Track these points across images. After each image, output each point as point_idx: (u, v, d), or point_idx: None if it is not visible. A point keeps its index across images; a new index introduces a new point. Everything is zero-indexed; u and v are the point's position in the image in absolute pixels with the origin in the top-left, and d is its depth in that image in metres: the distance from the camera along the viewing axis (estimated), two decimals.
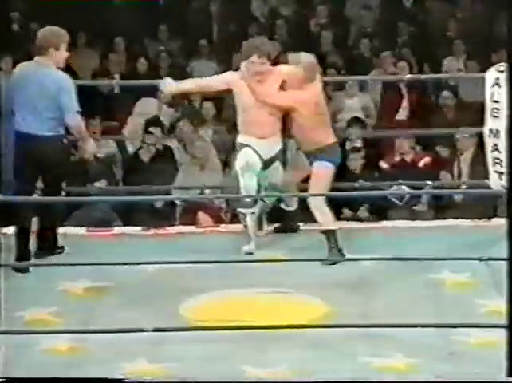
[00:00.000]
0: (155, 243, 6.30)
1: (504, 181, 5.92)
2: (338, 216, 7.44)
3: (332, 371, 4.88)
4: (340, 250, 5.91)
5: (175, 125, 8.61)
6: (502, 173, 5.89)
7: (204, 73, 9.44)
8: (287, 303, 5.53)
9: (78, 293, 5.72)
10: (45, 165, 5.93)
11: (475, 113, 6.56)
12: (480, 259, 5.26)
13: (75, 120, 5.90)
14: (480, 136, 6.36)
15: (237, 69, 6.15)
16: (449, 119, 8.47)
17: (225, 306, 5.52)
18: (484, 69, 6.30)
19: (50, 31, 5.95)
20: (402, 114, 8.66)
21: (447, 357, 5.02)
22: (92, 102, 8.54)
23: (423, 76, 8.92)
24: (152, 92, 8.81)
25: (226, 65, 9.65)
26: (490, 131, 5.99)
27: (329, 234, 5.93)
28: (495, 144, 5.97)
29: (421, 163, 8.09)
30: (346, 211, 7.76)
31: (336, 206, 7.56)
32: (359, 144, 8.20)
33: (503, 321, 5.21)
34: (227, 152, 8.26)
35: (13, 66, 6.27)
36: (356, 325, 5.10)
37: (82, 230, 6.61)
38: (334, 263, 5.82)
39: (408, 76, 8.24)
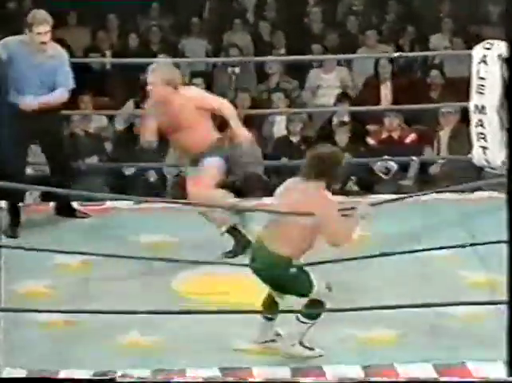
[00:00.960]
0: (147, 216, 6.31)
1: (488, 155, 5.95)
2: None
3: (320, 343, 4.93)
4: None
5: None
6: (485, 148, 5.91)
7: (195, 50, 9.46)
8: None
9: (72, 266, 5.74)
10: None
11: (459, 89, 6.57)
12: (464, 246, 5.31)
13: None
14: (463, 112, 6.38)
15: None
16: (436, 96, 8.47)
17: (214, 280, 5.53)
18: (469, 47, 6.31)
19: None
20: (386, 95, 8.67)
21: (430, 328, 5.07)
22: (83, 78, 8.55)
23: (411, 54, 8.90)
24: (144, 68, 8.79)
25: (216, 42, 9.65)
26: (476, 107, 5.99)
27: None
28: (480, 120, 5.97)
29: (408, 140, 8.11)
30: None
31: None
32: (346, 118, 8.21)
33: (486, 292, 5.28)
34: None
35: None
36: (342, 310, 5.06)
37: (75, 204, 6.61)
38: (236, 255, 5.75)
39: (396, 54, 8.22)
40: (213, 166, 5.73)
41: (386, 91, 8.56)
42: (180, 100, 5.70)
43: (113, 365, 4.73)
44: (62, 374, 4.69)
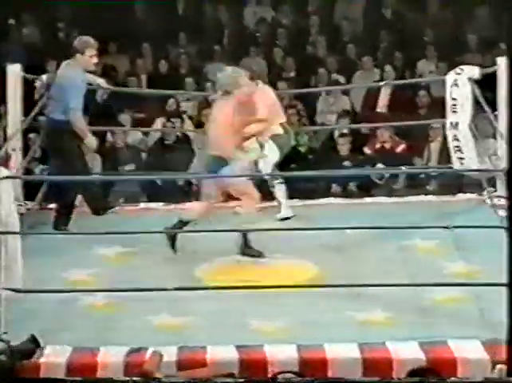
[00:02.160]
0: (175, 216, 6.29)
1: (464, 165, 5.92)
2: (329, 192, 7.46)
3: (323, 323, 4.89)
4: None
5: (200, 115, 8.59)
6: (462, 158, 5.90)
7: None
8: (286, 266, 5.53)
9: (111, 257, 5.73)
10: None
11: (443, 107, 6.52)
12: (447, 227, 5.26)
13: (74, 117, 5.89)
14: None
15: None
16: (423, 113, 8.44)
17: (233, 269, 5.52)
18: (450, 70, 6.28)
19: (77, 39, 6.00)
20: (382, 108, 8.64)
21: (417, 310, 5.02)
22: (124, 99, 8.57)
23: (396, 82, 8.89)
24: (174, 89, 8.83)
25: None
26: (451, 123, 6.00)
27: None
28: (455, 135, 5.98)
29: (398, 150, 8.08)
30: (335, 188, 7.75)
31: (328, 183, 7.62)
32: (346, 131, 8.20)
33: (464, 281, 5.23)
34: None
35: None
36: (343, 285, 5.09)
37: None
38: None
39: (383, 83, 8.26)
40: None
41: (384, 95, 8.57)
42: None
43: (146, 343, 4.71)
44: (102, 350, 4.67)
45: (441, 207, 6.28)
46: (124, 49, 9.71)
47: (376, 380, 4.26)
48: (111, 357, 4.62)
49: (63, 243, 5.72)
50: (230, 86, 5.52)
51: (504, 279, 4.86)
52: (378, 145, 8.11)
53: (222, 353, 4.65)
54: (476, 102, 5.89)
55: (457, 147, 5.85)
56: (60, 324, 4.93)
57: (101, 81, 6.34)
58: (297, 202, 6.53)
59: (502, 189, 5.93)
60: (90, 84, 6.19)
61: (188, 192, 7.78)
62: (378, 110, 8.54)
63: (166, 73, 9.38)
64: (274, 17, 10.18)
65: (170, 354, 4.59)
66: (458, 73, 5.95)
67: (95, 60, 5.96)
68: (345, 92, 8.96)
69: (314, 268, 5.47)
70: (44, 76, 6.35)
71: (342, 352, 4.64)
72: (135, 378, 4.18)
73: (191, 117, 8.63)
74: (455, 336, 4.72)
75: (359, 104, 8.94)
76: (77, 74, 5.93)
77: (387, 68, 8.79)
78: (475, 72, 5.95)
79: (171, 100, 8.68)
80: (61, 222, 5.98)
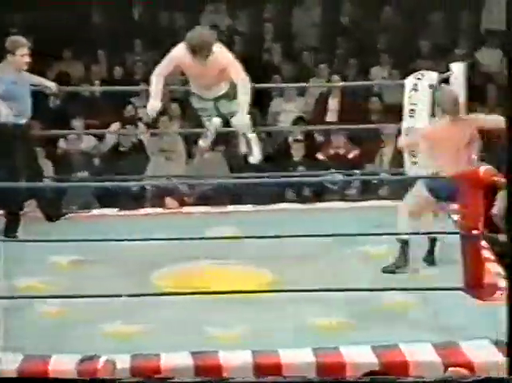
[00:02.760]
0: (129, 223, 6.25)
1: (418, 169, 5.97)
2: (283, 197, 7.48)
3: (278, 329, 4.89)
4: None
5: (156, 121, 8.56)
6: (415, 162, 5.94)
7: (173, 80, 9.40)
8: (240, 273, 5.52)
9: (64, 265, 5.67)
10: None
11: (396, 114, 6.58)
12: (400, 233, 5.30)
13: None
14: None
15: None
16: (375, 119, 8.51)
17: (188, 276, 5.49)
18: (405, 77, 6.33)
19: (7, 39, 5.94)
20: (332, 116, 8.71)
21: (370, 315, 5.04)
22: (77, 105, 8.49)
23: (353, 84, 8.95)
24: (129, 96, 8.79)
25: None
26: (407, 128, 6.03)
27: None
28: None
29: (351, 155, 8.13)
30: (290, 193, 7.77)
31: (282, 188, 7.63)
32: (300, 136, 8.23)
33: (416, 285, 5.27)
34: (191, 144, 8.25)
35: None
36: (296, 290, 5.10)
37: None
38: None
39: (342, 83, 8.29)
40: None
41: (334, 104, 8.62)
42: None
43: (99, 351, 4.66)
44: (53, 358, 4.61)
45: (393, 212, 6.31)
46: (79, 55, 9.64)
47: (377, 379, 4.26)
48: (63, 364, 4.57)
49: (14, 250, 5.66)
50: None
51: (456, 283, 4.93)
52: (331, 151, 8.16)
53: (177, 360, 4.62)
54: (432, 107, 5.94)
55: (412, 151, 5.90)
56: (10, 331, 4.86)
57: (52, 85, 6.23)
58: (250, 207, 6.53)
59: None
60: (35, 86, 6.09)
61: (142, 198, 7.74)
62: (328, 119, 8.61)
63: (121, 79, 9.33)
64: (230, 24, 10.19)
65: (123, 361, 4.55)
66: (419, 78, 5.99)
67: (26, 59, 5.86)
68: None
69: (269, 274, 5.47)
70: None
71: (296, 357, 4.64)
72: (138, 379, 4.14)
73: (147, 124, 8.59)
74: (408, 340, 4.74)
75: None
76: (8, 75, 5.84)
77: (335, 78, 8.85)
78: (434, 77, 6.02)
79: (130, 107, 8.64)
80: (11, 228, 5.90)
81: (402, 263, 5.44)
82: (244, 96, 5.33)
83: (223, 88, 5.44)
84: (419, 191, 5.43)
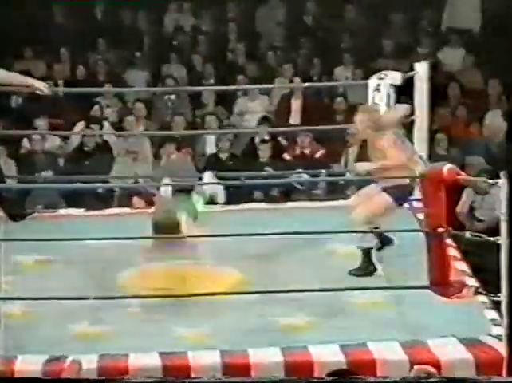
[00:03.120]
0: (96, 223, 6.21)
1: None
2: (251, 197, 7.48)
3: (247, 329, 4.88)
4: None
5: (121, 121, 8.50)
6: None
7: (138, 80, 9.38)
8: (208, 273, 5.50)
9: (29, 265, 5.61)
10: None
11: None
12: (367, 231, 5.32)
13: None
14: None
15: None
16: (340, 119, 8.54)
17: (155, 276, 5.46)
18: (368, 77, 6.36)
19: None
20: (296, 117, 8.74)
21: (338, 314, 5.06)
22: (40, 104, 8.41)
23: (317, 84, 8.98)
24: (94, 95, 8.73)
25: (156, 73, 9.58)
26: None
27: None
28: None
29: (317, 155, 8.16)
30: (258, 194, 7.77)
31: (250, 189, 7.64)
32: (266, 137, 8.24)
33: (383, 281, 5.29)
34: (157, 146, 8.21)
35: None
36: (264, 292, 5.10)
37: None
38: None
39: (306, 84, 8.33)
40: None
41: (296, 106, 8.64)
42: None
43: (65, 352, 4.62)
44: (19, 359, 4.56)
45: None
46: (41, 54, 9.54)
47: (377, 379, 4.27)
48: (29, 365, 4.52)
49: None
50: None
51: (422, 282, 4.96)
52: (298, 151, 8.18)
53: (145, 360, 4.59)
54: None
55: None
56: None
57: (41, 85, 5.90)
58: (219, 207, 6.52)
59: (418, 192, 6.02)
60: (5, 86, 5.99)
61: (109, 199, 7.69)
62: (291, 121, 8.63)
63: (83, 78, 9.26)
64: (195, 24, 10.16)
65: (91, 362, 4.52)
66: (381, 78, 6.03)
67: None
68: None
69: (237, 274, 5.46)
70: None
71: (265, 356, 4.64)
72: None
73: (112, 123, 8.54)
74: (375, 338, 4.76)
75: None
76: None
77: (296, 79, 8.88)
78: (397, 77, 6.05)
79: (96, 107, 8.58)
80: None
81: (368, 270, 5.44)
82: None
83: None
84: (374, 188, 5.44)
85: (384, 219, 5.46)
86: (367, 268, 5.42)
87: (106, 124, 8.48)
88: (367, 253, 5.44)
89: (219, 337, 4.83)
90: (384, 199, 5.39)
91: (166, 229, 5.35)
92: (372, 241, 5.45)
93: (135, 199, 7.54)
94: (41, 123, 8.21)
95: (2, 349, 4.61)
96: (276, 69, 9.47)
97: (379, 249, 5.51)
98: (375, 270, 5.43)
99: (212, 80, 9.35)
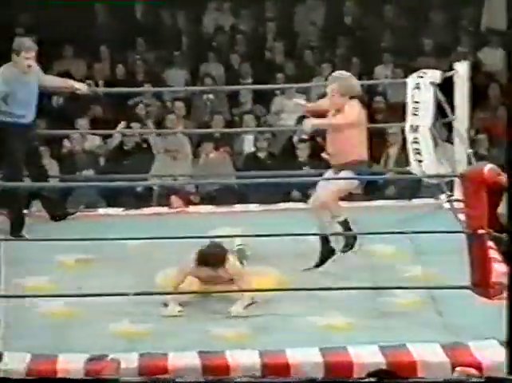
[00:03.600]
0: (134, 222, 6.24)
1: (423, 167, 5.97)
2: (288, 197, 7.47)
3: (285, 329, 4.89)
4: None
5: (160, 120, 8.55)
6: (420, 161, 5.93)
7: (176, 79, 9.42)
8: (248, 271, 5.50)
9: (70, 264, 5.66)
10: None
11: (399, 112, 6.57)
12: (405, 232, 5.30)
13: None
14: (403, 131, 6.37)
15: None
16: (380, 119, 8.50)
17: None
18: (407, 75, 6.33)
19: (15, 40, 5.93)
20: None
21: (377, 315, 5.04)
22: (81, 104, 8.49)
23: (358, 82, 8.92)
24: (132, 96, 8.79)
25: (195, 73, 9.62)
26: (411, 126, 6.02)
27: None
28: (415, 138, 6.00)
29: None
30: (295, 193, 7.76)
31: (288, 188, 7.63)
32: (305, 136, 8.22)
33: (422, 284, 5.27)
34: (196, 145, 8.23)
35: None
36: (302, 289, 5.10)
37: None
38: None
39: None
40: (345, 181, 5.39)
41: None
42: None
43: (106, 350, 4.66)
44: (61, 358, 4.61)
45: (399, 212, 6.31)
46: (81, 53, 9.63)
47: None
48: (70, 364, 4.56)
49: (20, 249, 5.65)
50: None
51: (463, 282, 4.93)
52: None
53: (184, 360, 4.62)
54: (436, 106, 5.93)
55: (416, 149, 5.88)
56: (17, 331, 4.86)
57: (81, 86, 6.15)
58: (256, 207, 6.52)
59: (459, 193, 5.98)
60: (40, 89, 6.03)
61: (148, 198, 7.74)
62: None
63: (123, 78, 9.32)
64: (233, 23, 10.19)
65: (131, 361, 4.55)
66: (421, 77, 5.98)
67: (30, 62, 5.80)
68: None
69: (276, 274, 5.46)
70: None
71: (304, 356, 4.64)
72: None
73: (156, 123, 8.58)
74: (415, 339, 4.74)
75: None
76: (11, 76, 5.80)
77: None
78: (437, 76, 6.00)
79: (140, 106, 8.63)
80: (16, 228, 5.89)
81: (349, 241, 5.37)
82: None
83: None
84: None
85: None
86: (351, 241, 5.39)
87: (149, 123, 8.54)
88: (345, 224, 5.38)
89: (258, 336, 4.84)
90: (333, 183, 5.32)
91: (210, 259, 5.19)
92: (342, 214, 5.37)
93: (174, 198, 7.57)
94: (82, 122, 8.29)
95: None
96: (314, 68, 9.46)
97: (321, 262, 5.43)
98: (355, 239, 5.38)
99: (250, 79, 9.37)
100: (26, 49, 5.82)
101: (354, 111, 5.36)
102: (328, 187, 5.40)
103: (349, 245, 5.44)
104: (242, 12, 10.21)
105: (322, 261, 5.44)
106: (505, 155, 3.66)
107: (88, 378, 4.38)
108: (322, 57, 9.58)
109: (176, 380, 4.30)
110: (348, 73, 5.50)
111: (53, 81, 6.15)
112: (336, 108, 5.38)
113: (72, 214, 6.22)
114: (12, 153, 5.83)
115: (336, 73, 5.49)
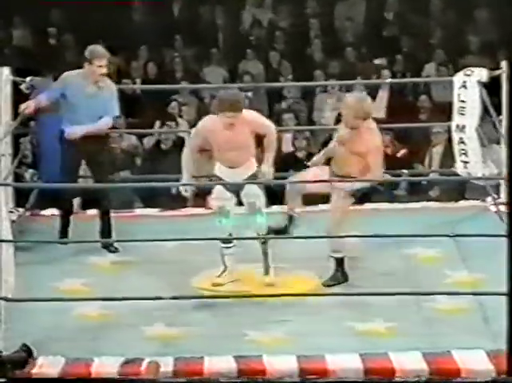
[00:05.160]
0: (171, 223, 6.28)
1: (469, 169, 5.92)
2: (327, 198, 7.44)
3: (323, 334, 4.89)
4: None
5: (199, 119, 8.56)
6: (466, 162, 5.88)
7: (215, 77, 9.45)
8: (284, 276, 5.51)
9: (105, 266, 5.71)
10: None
11: (445, 112, 6.53)
12: (449, 235, 5.26)
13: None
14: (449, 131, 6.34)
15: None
16: (424, 118, 8.46)
17: (231, 279, 5.49)
18: (453, 74, 6.29)
19: (88, 48, 5.89)
20: (380, 113, 8.67)
21: (420, 320, 5.02)
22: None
23: (400, 80, 8.90)
24: (169, 94, 8.83)
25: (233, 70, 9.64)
26: (457, 126, 5.98)
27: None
28: (461, 138, 5.96)
29: (399, 155, 8.08)
30: None
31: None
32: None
33: (469, 289, 5.23)
34: None
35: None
36: (342, 294, 5.10)
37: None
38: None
39: (389, 80, 8.24)
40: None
41: (381, 98, 8.58)
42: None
43: (141, 354, 4.70)
44: (96, 361, 4.66)
45: (443, 214, 6.27)
46: (118, 51, 9.71)
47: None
48: (105, 367, 4.61)
49: (55, 251, 5.72)
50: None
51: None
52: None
53: (220, 364, 4.64)
54: (483, 106, 5.88)
55: (462, 150, 5.83)
56: (53, 334, 4.92)
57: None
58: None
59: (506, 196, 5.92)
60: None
61: (184, 198, 7.76)
62: (375, 114, 8.54)
63: (160, 76, 9.38)
64: (272, 19, 10.19)
65: (166, 364, 4.58)
66: (468, 75, 5.92)
67: (102, 70, 5.80)
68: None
69: (315, 278, 5.46)
70: (28, 79, 6.30)
71: (343, 362, 4.63)
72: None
73: (189, 121, 8.61)
74: (460, 346, 4.71)
75: None
76: (75, 82, 5.83)
77: (385, 72, 8.81)
78: (484, 74, 5.95)
79: (174, 103, 8.66)
80: (61, 230, 5.96)
81: (340, 279, 5.38)
82: (271, 153, 5.37)
83: (251, 169, 5.41)
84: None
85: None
86: (338, 277, 5.37)
87: (181, 121, 8.57)
88: (340, 262, 5.38)
89: (295, 341, 4.83)
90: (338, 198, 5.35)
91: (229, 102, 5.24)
92: (343, 250, 5.38)
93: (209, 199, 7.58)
94: (119, 121, 8.34)
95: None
96: (356, 65, 9.44)
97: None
98: (346, 280, 5.36)
99: (289, 77, 9.37)
100: (99, 57, 5.76)
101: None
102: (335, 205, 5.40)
103: (336, 280, 5.42)
104: (281, 8, 10.22)
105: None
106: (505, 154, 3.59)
107: (125, 378, 4.43)
108: (365, 55, 9.55)
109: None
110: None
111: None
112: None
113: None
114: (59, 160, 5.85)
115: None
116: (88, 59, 5.81)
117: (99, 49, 5.88)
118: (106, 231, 5.91)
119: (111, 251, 5.84)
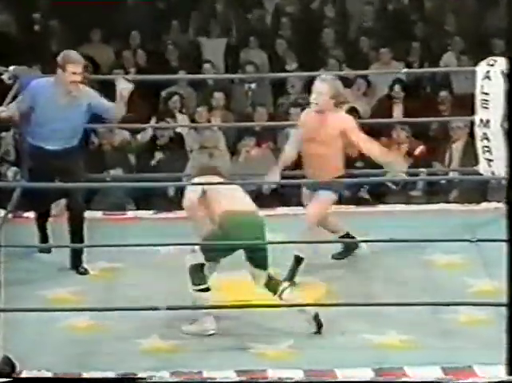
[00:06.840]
0: (166, 226, 6.28)
1: (493, 168, 5.92)
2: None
3: (332, 346, 4.91)
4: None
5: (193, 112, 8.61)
6: (491, 160, 5.88)
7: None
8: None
9: (95, 273, 5.74)
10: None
11: (467, 105, 6.54)
12: (470, 241, 5.27)
13: None
14: (471, 126, 6.34)
15: None
16: (444, 112, 8.45)
17: (231, 286, 5.51)
18: (475, 63, 6.29)
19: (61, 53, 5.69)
20: (397, 110, 8.69)
21: (438, 333, 5.04)
22: (107, 95, 8.56)
23: (417, 70, 8.90)
24: (164, 86, 8.85)
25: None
26: (480, 121, 5.96)
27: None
28: (484, 133, 5.95)
29: (417, 152, 8.08)
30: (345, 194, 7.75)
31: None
32: None
33: (491, 299, 5.24)
34: (236, 140, 8.27)
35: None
36: (354, 304, 5.12)
37: (99, 214, 6.57)
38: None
39: (404, 70, 8.23)
40: (329, 198, 5.57)
41: (398, 111, 8.59)
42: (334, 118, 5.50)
43: (134, 369, 4.72)
44: (85, 376, 4.68)
45: (464, 217, 6.30)
46: (109, 38, 9.74)
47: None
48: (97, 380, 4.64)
49: (40, 257, 5.75)
50: None
51: None
52: (393, 147, 8.10)
53: (221, 377, 4.66)
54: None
55: (486, 147, 5.80)
56: (38, 347, 4.94)
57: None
58: (299, 210, 6.54)
59: None
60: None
61: (180, 199, 7.77)
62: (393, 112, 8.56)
63: (155, 66, 9.37)
64: (278, 4, 10.20)
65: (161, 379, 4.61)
66: (491, 65, 5.87)
67: (76, 78, 5.57)
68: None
69: (323, 286, 5.48)
70: (11, 68, 6.22)
71: (355, 377, 4.66)
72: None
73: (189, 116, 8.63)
74: (482, 361, 4.73)
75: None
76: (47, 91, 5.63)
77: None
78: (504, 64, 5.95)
79: (175, 97, 8.66)
80: (41, 235, 5.95)
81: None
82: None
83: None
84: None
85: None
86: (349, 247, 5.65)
87: (179, 116, 8.57)
88: (298, 261, 5.49)
89: (301, 354, 4.86)
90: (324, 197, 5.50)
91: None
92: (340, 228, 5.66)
93: None
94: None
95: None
96: (369, 54, 9.45)
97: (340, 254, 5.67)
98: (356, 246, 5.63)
99: (294, 65, 9.36)
100: (73, 62, 5.55)
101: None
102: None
103: (348, 251, 5.69)
104: None
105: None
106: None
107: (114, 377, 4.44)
108: (379, 43, 9.55)
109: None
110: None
111: (99, 106, 5.75)
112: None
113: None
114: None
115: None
116: (61, 64, 5.59)
117: (73, 54, 5.66)
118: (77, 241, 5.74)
119: (80, 273, 5.70)
